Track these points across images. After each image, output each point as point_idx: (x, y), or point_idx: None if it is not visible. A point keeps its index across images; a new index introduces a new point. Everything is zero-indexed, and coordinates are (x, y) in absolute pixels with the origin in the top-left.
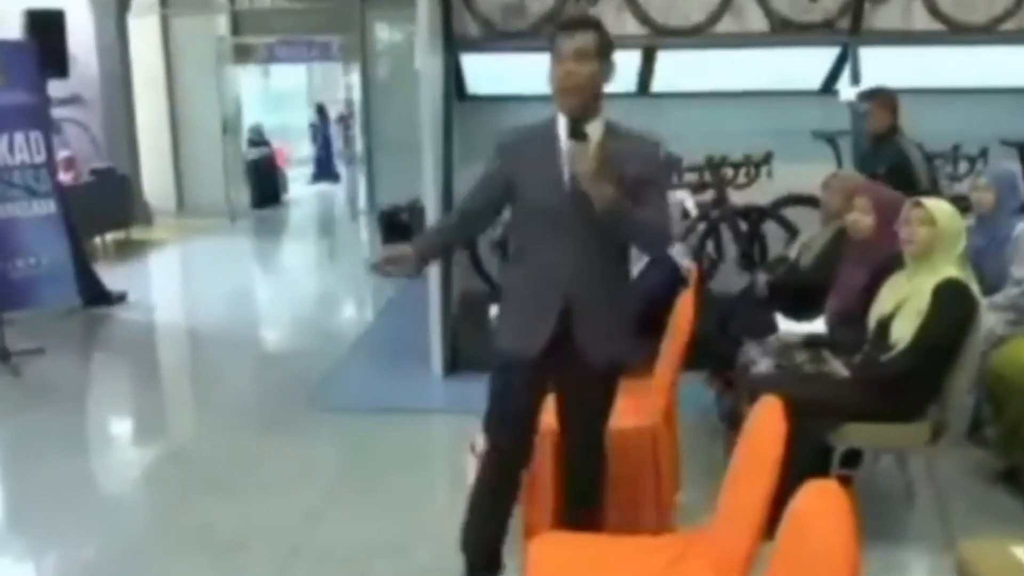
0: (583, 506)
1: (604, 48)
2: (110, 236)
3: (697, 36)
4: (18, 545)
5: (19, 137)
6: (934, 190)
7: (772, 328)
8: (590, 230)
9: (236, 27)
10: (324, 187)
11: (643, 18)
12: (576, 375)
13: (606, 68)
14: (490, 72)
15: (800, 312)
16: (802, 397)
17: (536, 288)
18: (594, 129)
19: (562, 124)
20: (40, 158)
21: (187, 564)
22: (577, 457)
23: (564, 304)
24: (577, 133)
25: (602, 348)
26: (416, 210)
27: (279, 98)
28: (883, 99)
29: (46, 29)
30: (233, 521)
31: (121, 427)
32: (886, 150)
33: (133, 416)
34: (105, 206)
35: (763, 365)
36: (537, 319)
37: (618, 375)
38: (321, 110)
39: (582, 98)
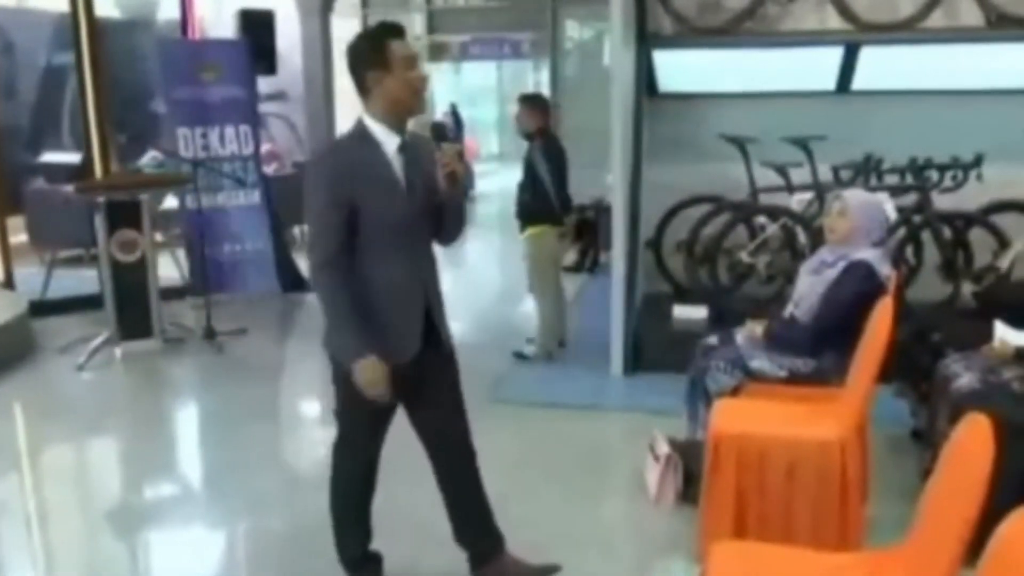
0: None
1: None
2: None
3: (905, 31)
4: (213, 513)
5: (229, 130)
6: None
7: (978, 341)
8: (427, 228)
9: (431, 26)
10: (509, 183)
11: (847, 13)
12: (439, 363)
13: None
14: (683, 69)
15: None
16: (1013, 417)
17: (400, 295)
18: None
19: (379, 132)
20: (248, 150)
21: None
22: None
23: (426, 303)
24: (441, 136)
25: (446, 330)
26: (602, 209)
27: (469, 95)
28: (533, 102)
29: (257, 28)
30: (415, 503)
31: (311, 407)
32: (528, 153)
33: (324, 397)
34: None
35: (966, 379)
36: (406, 324)
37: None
38: (455, 113)
39: None
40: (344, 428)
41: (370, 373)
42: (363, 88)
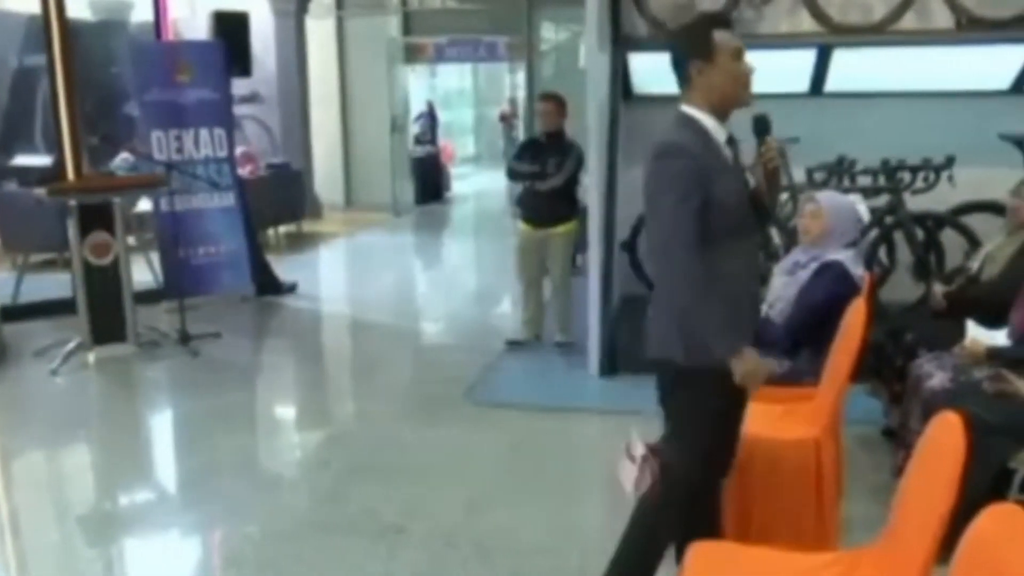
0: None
1: None
2: (282, 228)
3: (877, 33)
4: (189, 518)
5: (204, 133)
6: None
7: (950, 341)
8: (755, 222)
9: (407, 28)
10: (485, 185)
11: (819, 15)
12: None
13: None
14: (658, 71)
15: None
16: (983, 416)
17: (742, 291)
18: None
19: (708, 123)
20: (223, 153)
21: (346, 545)
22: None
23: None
24: (764, 129)
25: None
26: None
27: (445, 97)
28: (560, 101)
29: (232, 30)
30: (391, 507)
31: (287, 410)
32: (556, 146)
33: (299, 400)
34: (279, 200)
35: (938, 379)
36: (749, 320)
37: None
38: (431, 112)
39: None
40: (702, 443)
41: (752, 364)
42: (685, 78)
